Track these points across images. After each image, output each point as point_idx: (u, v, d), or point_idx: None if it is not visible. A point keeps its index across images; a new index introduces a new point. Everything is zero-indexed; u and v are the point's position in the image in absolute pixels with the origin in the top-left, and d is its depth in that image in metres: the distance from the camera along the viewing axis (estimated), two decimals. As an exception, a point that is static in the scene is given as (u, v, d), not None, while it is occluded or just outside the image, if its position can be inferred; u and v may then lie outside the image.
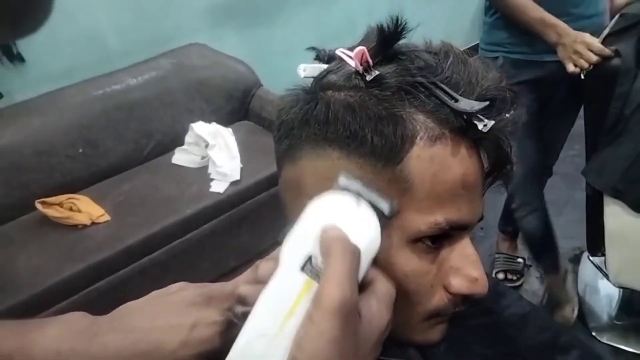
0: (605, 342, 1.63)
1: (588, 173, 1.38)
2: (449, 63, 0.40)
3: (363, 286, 0.34)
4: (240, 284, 0.39)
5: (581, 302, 1.78)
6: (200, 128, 2.01)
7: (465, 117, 0.38)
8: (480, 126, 0.38)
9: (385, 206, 0.35)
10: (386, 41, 0.40)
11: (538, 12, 1.39)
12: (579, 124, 1.59)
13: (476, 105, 0.38)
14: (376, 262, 0.36)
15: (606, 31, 1.32)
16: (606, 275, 1.49)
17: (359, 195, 0.35)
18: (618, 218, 1.35)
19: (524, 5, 1.40)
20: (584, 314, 1.74)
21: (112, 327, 0.39)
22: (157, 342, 0.37)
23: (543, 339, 0.59)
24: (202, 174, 1.93)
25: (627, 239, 1.38)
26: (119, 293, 1.67)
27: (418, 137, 0.38)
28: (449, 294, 0.41)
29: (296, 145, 0.42)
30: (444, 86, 0.39)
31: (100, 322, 0.40)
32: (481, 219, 0.43)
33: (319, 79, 0.43)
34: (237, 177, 1.87)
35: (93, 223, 1.71)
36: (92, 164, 1.92)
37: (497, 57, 1.54)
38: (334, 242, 0.32)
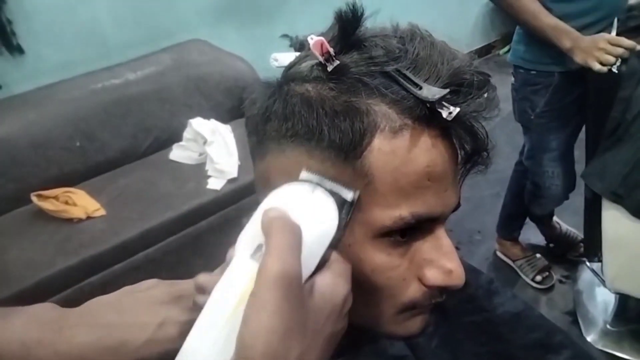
0: (600, 348, 1.62)
1: (588, 176, 1.37)
2: (413, 47, 0.38)
3: (320, 267, 0.35)
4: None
5: (576, 308, 1.77)
6: (198, 124, 2.00)
7: (428, 105, 0.36)
8: (445, 114, 0.36)
9: (346, 192, 0.36)
10: (345, 29, 0.38)
11: (551, 19, 1.35)
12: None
13: (437, 93, 0.35)
14: (340, 251, 0.37)
15: (613, 32, 1.30)
16: (603, 281, 1.48)
17: (319, 185, 0.36)
18: (616, 223, 1.34)
19: (536, 12, 1.36)
20: (580, 320, 1.73)
21: (79, 321, 0.39)
22: (122, 338, 0.37)
23: (535, 338, 0.58)
24: (199, 170, 1.93)
25: (625, 245, 1.37)
26: (112, 288, 1.62)
27: (379, 130, 0.37)
28: (424, 286, 0.40)
29: (262, 141, 0.41)
30: (407, 73, 0.37)
31: (68, 315, 0.39)
32: (457, 207, 0.42)
33: (288, 68, 0.42)
34: (235, 174, 1.86)
35: (88, 217, 1.70)
36: (89, 157, 1.91)
37: (553, 74, 1.47)
38: (273, 221, 0.33)
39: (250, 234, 0.35)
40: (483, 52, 3.77)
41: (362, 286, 0.39)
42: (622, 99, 1.24)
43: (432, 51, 0.38)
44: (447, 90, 0.36)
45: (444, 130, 0.38)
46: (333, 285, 0.34)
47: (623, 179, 1.25)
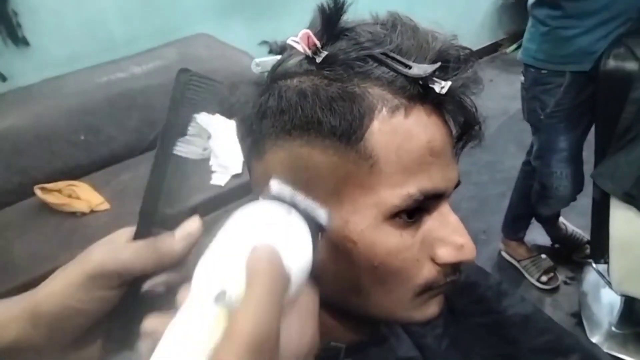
0: (605, 350, 1.61)
1: (598, 177, 1.35)
2: (397, 32, 0.39)
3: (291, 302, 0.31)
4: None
5: (581, 309, 1.76)
6: (203, 119, 1.99)
7: (421, 82, 0.37)
8: (437, 89, 0.37)
9: (322, 215, 0.33)
10: (329, 20, 0.39)
11: None
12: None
13: (429, 69, 0.37)
14: (351, 237, 0.37)
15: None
16: (609, 283, 1.47)
17: (291, 203, 0.33)
18: (624, 225, 1.33)
19: None
20: (585, 321, 1.71)
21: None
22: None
23: (544, 341, 0.57)
24: (203, 165, 1.92)
25: (632, 247, 1.36)
26: (115, 282, 1.65)
27: (376, 111, 0.37)
28: (437, 265, 0.41)
29: (258, 140, 0.42)
30: (394, 55, 0.38)
31: None
32: (457, 184, 0.42)
33: (273, 70, 0.43)
34: (239, 170, 1.86)
35: (92, 211, 1.69)
36: (93, 151, 1.91)
37: (564, 73, 1.45)
38: (261, 264, 0.28)
39: (213, 265, 0.29)
40: (490, 50, 3.74)
41: (377, 273, 0.39)
42: (635, 99, 1.22)
43: (415, 34, 0.39)
44: (437, 64, 0.37)
45: (437, 106, 0.39)
46: (300, 329, 0.31)
47: (637, 180, 1.23)
